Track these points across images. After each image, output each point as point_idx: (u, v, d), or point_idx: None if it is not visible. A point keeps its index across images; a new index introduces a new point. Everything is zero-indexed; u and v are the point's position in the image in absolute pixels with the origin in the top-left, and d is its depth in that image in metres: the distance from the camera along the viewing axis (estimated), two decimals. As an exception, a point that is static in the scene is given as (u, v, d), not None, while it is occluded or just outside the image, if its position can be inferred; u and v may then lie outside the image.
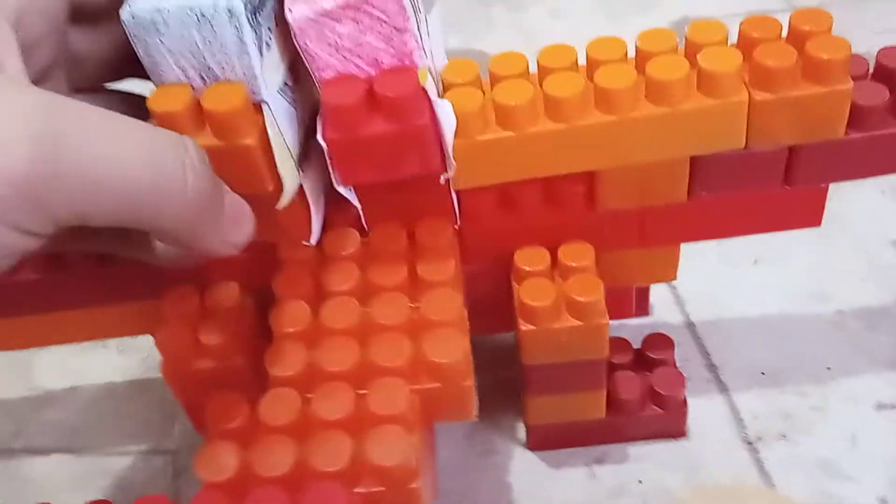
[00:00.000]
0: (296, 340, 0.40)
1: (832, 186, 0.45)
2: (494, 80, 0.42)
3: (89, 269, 0.46)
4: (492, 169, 0.42)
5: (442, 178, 0.41)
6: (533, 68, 0.43)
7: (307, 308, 0.41)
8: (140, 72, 0.39)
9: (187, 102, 0.37)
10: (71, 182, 0.29)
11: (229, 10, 0.35)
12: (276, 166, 0.39)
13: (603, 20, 0.85)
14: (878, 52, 0.43)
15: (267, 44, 0.37)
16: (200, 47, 0.36)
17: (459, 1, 0.92)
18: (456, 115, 0.40)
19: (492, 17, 0.90)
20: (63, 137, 0.29)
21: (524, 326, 0.44)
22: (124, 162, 0.30)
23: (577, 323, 0.44)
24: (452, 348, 0.39)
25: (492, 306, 0.47)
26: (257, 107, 0.38)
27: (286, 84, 0.39)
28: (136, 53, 0.37)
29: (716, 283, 0.62)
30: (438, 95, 0.40)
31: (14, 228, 0.29)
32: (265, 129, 0.38)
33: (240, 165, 0.38)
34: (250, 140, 0.37)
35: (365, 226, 0.44)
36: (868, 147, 0.43)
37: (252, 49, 0.36)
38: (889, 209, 0.65)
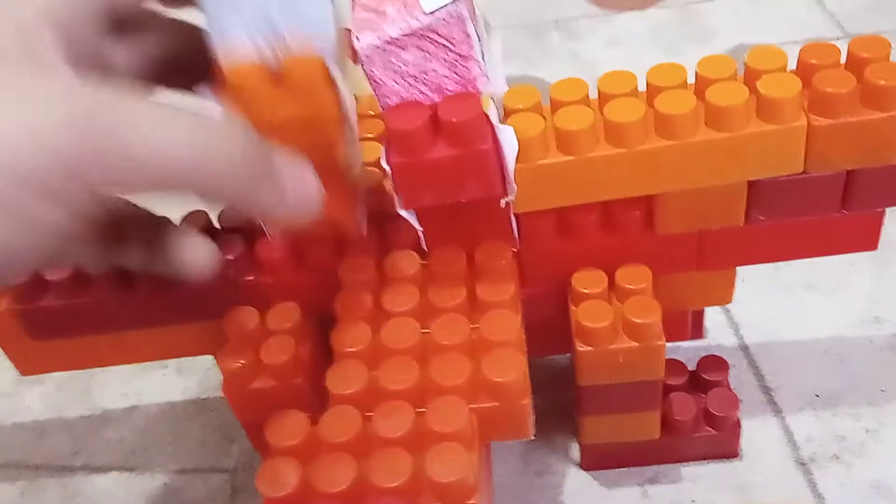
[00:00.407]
0: (356, 360, 0.41)
1: (888, 211, 0.45)
2: (555, 105, 0.42)
3: (153, 290, 0.46)
4: (552, 193, 0.43)
5: (503, 202, 0.42)
6: (593, 94, 0.43)
7: (368, 328, 0.42)
8: (165, 82, 0.40)
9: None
10: (111, 158, 0.30)
11: None
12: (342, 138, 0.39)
13: (658, 50, 0.86)
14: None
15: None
16: (279, 15, 0.36)
17: (516, 30, 0.93)
18: (517, 139, 0.40)
19: (548, 46, 0.91)
20: (104, 116, 0.30)
21: (581, 347, 0.45)
22: (164, 139, 0.32)
23: (634, 344, 0.44)
24: (510, 367, 0.39)
25: (549, 328, 0.47)
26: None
27: None
28: (163, 65, 0.38)
29: (770, 307, 0.62)
30: (500, 121, 0.41)
31: (55, 204, 0.30)
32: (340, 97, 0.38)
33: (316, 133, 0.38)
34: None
35: (425, 248, 0.45)
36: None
37: (331, 20, 0.37)
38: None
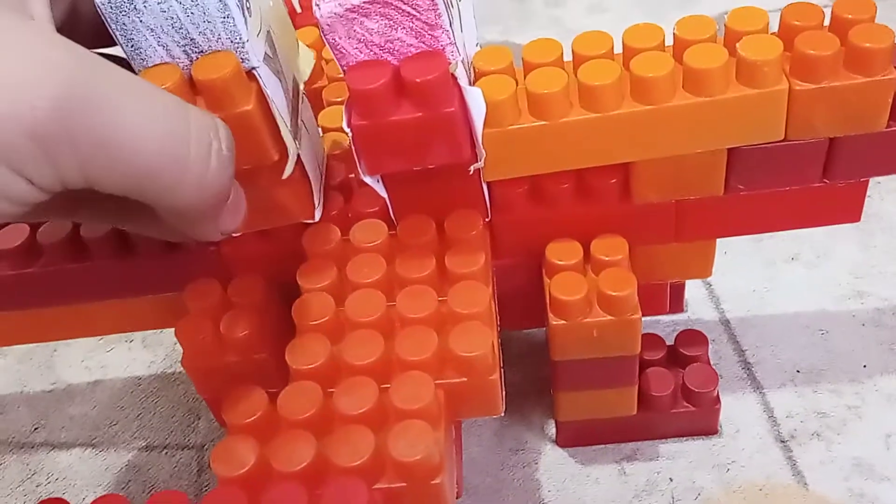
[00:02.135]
0: (319, 333, 0.39)
1: (871, 183, 0.44)
2: (528, 67, 0.41)
3: (112, 259, 0.45)
4: (523, 159, 0.41)
5: (471, 168, 0.40)
6: (568, 56, 0.42)
7: (331, 301, 0.40)
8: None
9: (176, 80, 0.35)
10: (85, 144, 0.28)
11: None
12: (278, 133, 0.37)
13: (641, 15, 0.84)
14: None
15: (248, 9, 0.36)
16: (182, 20, 0.34)
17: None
18: (486, 102, 0.39)
19: (529, 11, 0.90)
20: (87, 97, 0.28)
21: (554, 321, 0.43)
22: (147, 134, 0.30)
23: (609, 317, 0.43)
24: (478, 342, 0.37)
25: (523, 301, 0.46)
26: (249, 74, 0.36)
27: (267, 54, 0.38)
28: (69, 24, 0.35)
29: (752, 281, 0.61)
30: (470, 83, 0.39)
31: (20, 175, 0.28)
32: (262, 94, 0.36)
33: (240, 136, 0.35)
34: (249, 106, 0.36)
35: (393, 218, 0.43)
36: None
37: (237, 13, 0.34)
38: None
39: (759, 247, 0.62)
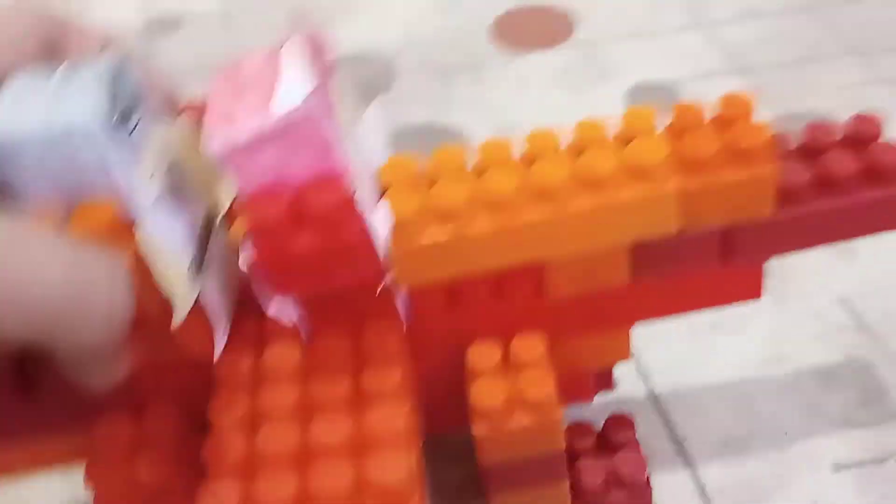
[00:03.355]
0: (230, 479, 0.38)
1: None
2: (433, 177, 0.42)
3: (7, 398, 0.42)
4: (435, 268, 0.42)
5: (379, 288, 0.40)
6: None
7: (241, 438, 0.39)
8: None
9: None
10: None
11: (87, 131, 0.33)
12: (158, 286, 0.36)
13: (564, 92, 0.85)
14: (804, 129, 0.45)
15: (138, 152, 0.35)
16: (62, 171, 0.34)
17: (421, 76, 0.92)
18: (392, 219, 0.39)
19: (454, 92, 0.90)
20: None
21: (478, 429, 0.43)
22: (46, 284, 0.30)
23: (530, 421, 0.43)
24: (396, 467, 0.37)
25: (449, 403, 0.45)
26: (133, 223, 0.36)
27: (164, 192, 0.37)
28: None
29: (677, 352, 0.61)
30: (377, 198, 0.40)
31: None
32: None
33: None
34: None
35: (304, 336, 0.43)
36: (797, 223, 0.44)
37: (117, 168, 0.34)
38: (835, 267, 0.65)
39: (682, 317, 0.62)
